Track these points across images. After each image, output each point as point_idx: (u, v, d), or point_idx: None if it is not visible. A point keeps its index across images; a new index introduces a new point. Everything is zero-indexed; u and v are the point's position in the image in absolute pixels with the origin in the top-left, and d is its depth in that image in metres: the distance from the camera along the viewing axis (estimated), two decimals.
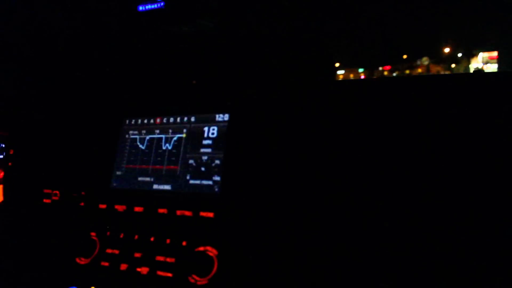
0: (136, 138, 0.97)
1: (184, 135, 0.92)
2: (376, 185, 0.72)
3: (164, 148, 0.93)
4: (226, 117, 0.88)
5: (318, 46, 1.18)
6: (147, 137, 0.95)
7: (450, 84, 0.76)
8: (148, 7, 0.97)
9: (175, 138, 0.92)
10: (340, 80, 0.97)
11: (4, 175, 1.01)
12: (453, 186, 0.68)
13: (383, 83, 0.83)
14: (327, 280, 0.71)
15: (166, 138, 0.93)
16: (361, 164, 0.74)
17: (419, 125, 0.73)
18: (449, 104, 0.73)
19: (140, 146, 0.95)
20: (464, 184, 0.68)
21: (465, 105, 0.72)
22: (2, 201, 1.01)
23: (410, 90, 0.77)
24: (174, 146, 0.92)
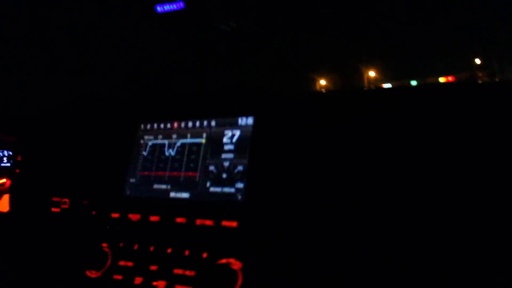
0: (151, 144, 1.15)
1: (203, 140, 1.09)
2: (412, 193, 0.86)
3: (181, 154, 1.10)
4: (250, 120, 1.05)
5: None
6: (164, 142, 1.13)
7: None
8: (167, 7, 1.18)
9: (193, 143, 1.10)
10: (373, 88, 1.15)
11: (11, 184, 1.20)
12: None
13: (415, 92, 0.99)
14: None
15: (184, 144, 1.11)
16: (395, 169, 0.88)
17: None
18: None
19: (156, 152, 1.13)
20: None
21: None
22: (9, 211, 1.20)
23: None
24: (192, 152, 1.09)
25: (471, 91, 0.92)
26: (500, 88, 0.93)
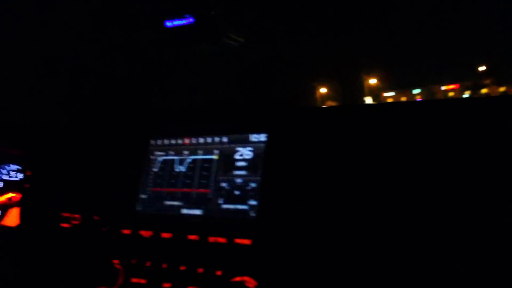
0: (162, 160, 1.16)
1: (215, 157, 1.10)
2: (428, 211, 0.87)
3: (193, 170, 1.11)
4: (263, 137, 1.06)
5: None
6: (174, 158, 1.15)
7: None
8: (177, 23, 1.21)
9: (205, 160, 1.11)
10: (387, 103, 1.17)
11: (22, 197, 1.22)
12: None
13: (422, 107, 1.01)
14: None
15: (196, 160, 1.12)
16: (413, 188, 0.90)
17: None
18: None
19: (167, 168, 1.15)
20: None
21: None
22: (18, 225, 1.21)
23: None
24: (204, 168, 1.10)
25: (476, 106, 0.94)
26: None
